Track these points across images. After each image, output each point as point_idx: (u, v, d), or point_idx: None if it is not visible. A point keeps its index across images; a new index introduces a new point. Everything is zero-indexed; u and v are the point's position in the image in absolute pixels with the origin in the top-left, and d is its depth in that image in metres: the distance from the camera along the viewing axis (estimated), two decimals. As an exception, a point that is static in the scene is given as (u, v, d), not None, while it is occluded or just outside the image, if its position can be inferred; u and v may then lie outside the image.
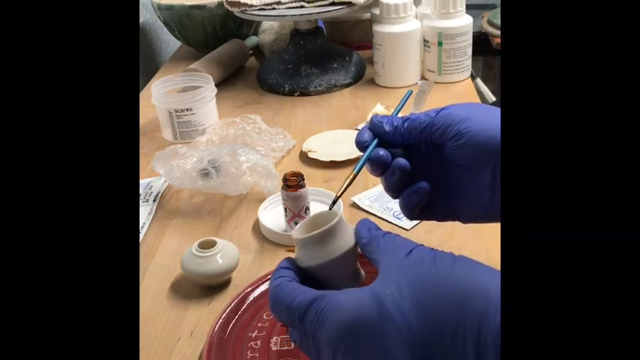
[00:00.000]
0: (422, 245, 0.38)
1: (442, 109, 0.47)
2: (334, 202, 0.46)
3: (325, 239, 0.41)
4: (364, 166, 0.48)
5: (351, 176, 0.47)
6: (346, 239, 0.42)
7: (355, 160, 0.79)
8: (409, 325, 0.34)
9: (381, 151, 0.47)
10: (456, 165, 0.47)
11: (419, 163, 0.48)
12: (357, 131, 0.50)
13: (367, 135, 0.48)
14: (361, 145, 0.48)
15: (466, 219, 0.50)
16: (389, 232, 0.40)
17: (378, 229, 0.41)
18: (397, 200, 0.50)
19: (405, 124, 0.48)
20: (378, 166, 0.47)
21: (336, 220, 0.42)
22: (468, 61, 1.01)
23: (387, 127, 0.48)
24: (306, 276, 0.42)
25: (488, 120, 0.45)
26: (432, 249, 0.37)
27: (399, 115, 0.49)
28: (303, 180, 0.65)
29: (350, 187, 0.46)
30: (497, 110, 0.47)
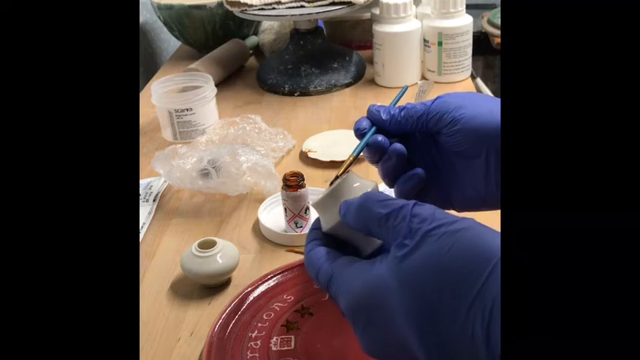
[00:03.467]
0: (416, 210, 0.37)
1: (437, 97, 0.48)
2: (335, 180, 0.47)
3: (335, 199, 0.42)
4: (363, 155, 0.49)
5: (351, 158, 0.47)
6: (356, 195, 0.42)
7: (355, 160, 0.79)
8: (411, 316, 0.34)
9: (379, 137, 0.48)
10: (450, 152, 0.48)
11: (414, 152, 0.49)
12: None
13: (365, 123, 0.49)
14: (360, 132, 0.49)
15: (460, 207, 0.50)
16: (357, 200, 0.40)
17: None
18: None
19: (402, 113, 0.49)
20: (376, 151, 0.48)
21: (340, 179, 0.42)
22: (468, 61, 1.01)
23: (384, 116, 0.49)
24: (331, 239, 0.43)
25: (482, 107, 0.46)
26: (433, 215, 0.36)
27: None
28: (303, 180, 0.65)
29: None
30: (492, 98, 0.48)
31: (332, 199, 0.42)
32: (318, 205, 0.43)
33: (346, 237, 0.43)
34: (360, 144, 0.48)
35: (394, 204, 0.38)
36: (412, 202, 0.37)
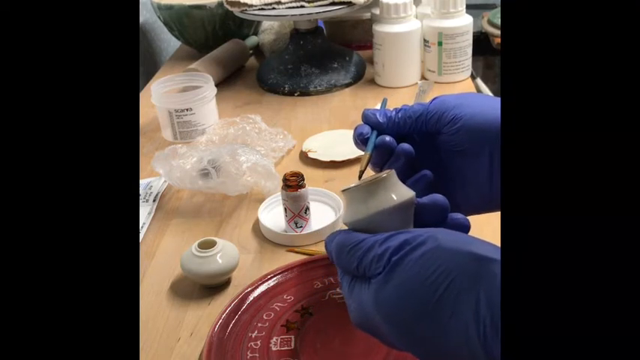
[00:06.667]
0: (381, 248, 0.37)
1: (435, 98, 0.48)
2: (360, 177, 0.47)
3: (370, 195, 0.40)
4: (368, 164, 0.48)
5: (367, 156, 0.47)
6: (389, 197, 0.40)
7: (355, 160, 0.79)
8: (398, 340, 0.36)
9: (387, 137, 0.47)
10: (452, 153, 0.47)
11: (414, 156, 0.48)
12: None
13: (367, 128, 0.49)
14: (362, 136, 0.48)
15: (466, 210, 0.49)
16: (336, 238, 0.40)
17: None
18: None
19: (399, 114, 0.48)
20: (384, 153, 0.47)
21: (382, 175, 0.40)
22: (468, 61, 1.01)
23: (380, 119, 0.48)
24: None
25: (483, 105, 0.46)
26: (399, 245, 0.36)
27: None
28: (303, 180, 0.65)
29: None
30: (491, 97, 0.48)
31: (366, 194, 0.40)
32: (349, 194, 0.41)
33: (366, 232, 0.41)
34: (369, 143, 0.47)
35: (358, 249, 0.38)
36: (379, 238, 0.38)
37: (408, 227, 0.41)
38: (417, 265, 0.35)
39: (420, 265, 0.35)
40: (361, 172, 0.47)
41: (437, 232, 0.36)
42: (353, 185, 0.41)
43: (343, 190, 0.41)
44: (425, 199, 0.41)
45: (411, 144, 0.48)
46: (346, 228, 0.42)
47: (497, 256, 0.34)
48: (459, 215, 0.41)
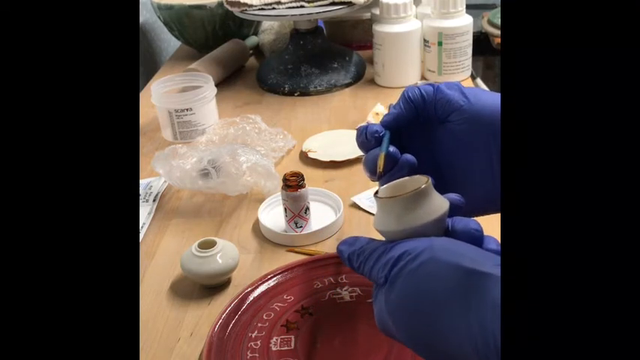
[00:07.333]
0: (383, 259, 0.38)
1: (442, 84, 0.48)
2: (379, 178, 0.47)
3: (407, 208, 0.39)
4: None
5: (383, 158, 0.47)
6: (426, 212, 0.39)
7: (355, 160, 0.79)
8: (408, 342, 0.38)
9: (391, 148, 0.47)
10: (455, 145, 0.47)
11: (416, 155, 0.48)
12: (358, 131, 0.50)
13: (379, 126, 0.48)
14: (378, 134, 0.48)
15: (470, 210, 0.49)
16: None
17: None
18: None
19: (410, 93, 0.48)
20: (388, 162, 0.47)
21: (419, 188, 0.39)
22: (468, 61, 1.01)
23: (395, 109, 0.48)
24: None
25: (490, 98, 0.46)
26: (398, 256, 0.37)
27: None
28: (303, 180, 0.65)
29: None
30: (496, 93, 0.48)
31: (402, 207, 0.39)
32: (385, 203, 0.40)
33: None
34: (384, 142, 0.47)
35: (370, 258, 0.39)
36: (385, 248, 0.39)
37: (438, 235, 0.40)
38: (414, 278, 0.36)
39: (416, 277, 0.36)
40: (380, 174, 0.46)
41: (434, 242, 0.37)
42: (388, 193, 0.41)
43: (378, 197, 0.41)
44: (459, 226, 0.40)
45: (412, 135, 0.48)
46: (355, 235, 0.43)
47: (491, 269, 0.34)
48: (491, 245, 0.40)
